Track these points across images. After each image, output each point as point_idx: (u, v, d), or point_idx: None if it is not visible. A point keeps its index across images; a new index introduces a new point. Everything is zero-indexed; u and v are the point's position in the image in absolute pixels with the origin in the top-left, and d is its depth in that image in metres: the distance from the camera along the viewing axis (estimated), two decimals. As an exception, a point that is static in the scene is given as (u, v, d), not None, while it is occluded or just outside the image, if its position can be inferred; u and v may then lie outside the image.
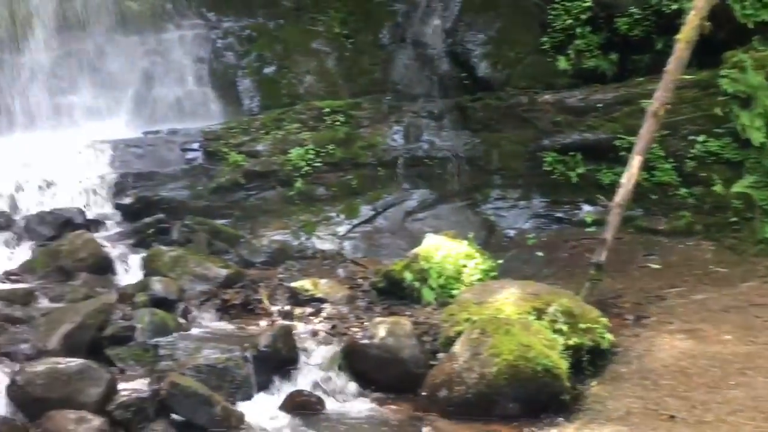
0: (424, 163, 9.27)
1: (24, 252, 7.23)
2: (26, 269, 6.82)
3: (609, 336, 5.44)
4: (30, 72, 10.15)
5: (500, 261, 7.26)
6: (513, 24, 9.57)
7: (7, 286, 6.33)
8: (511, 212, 8.92)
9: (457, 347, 5.10)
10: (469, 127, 9.41)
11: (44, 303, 5.98)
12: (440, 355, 5.35)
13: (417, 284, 6.69)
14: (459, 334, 5.26)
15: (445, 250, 6.85)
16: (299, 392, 5.16)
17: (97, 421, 4.29)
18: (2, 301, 5.59)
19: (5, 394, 4.41)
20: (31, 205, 8.15)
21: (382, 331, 5.44)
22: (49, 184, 8.44)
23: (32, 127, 9.84)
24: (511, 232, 8.72)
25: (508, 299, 5.48)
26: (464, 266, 6.79)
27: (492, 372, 4.83)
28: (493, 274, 6.86)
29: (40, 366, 4.50)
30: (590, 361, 5.27)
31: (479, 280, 6.61)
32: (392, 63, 10.00)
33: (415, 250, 6.97)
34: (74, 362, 4.54)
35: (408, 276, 6.72)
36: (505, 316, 5.26)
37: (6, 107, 9.98)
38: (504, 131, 9.24)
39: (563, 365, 4.94)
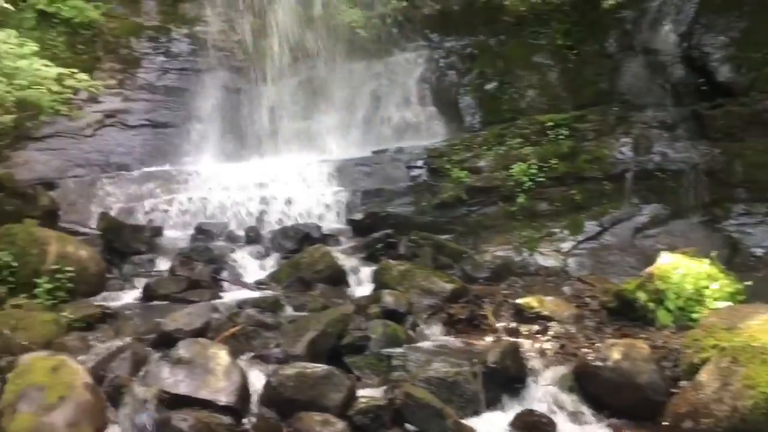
0: (656, 176, 8.74)
1: (271, 263, 7.93)
2: (273, 279, 7.47)
3: None
4: (271, 100, 11.22)
5: (748, 283, 6.58)
6: (759, 23, 8.72)
7: (258, 294, 6.98)
8: (759, 229, 8.09)
9: (703, 375, 4.70)
10: (708, 136, 8.71)
11: (289, 311, 6.48)
12: (682, 383, 4.96)
13: (652, 305, 6.28)
14: (705, 361, 4.85)
15: (684, 270, 6.35)
16: (529, 411, 5.06)
17: (340, 424, 4.56)
18: (256, 308, 6.17)
19: (262, 394, 4.85)
20: (275, 220, 8.99)
21: (616, 354, 5.17)
22: (290, 202, 9.24)
23: (274, 150, 10.88)
24: (759, 251, 7.91)
25: (764, 326, 4.94)
26: (706, 287, 6.24)
27: (747, 405, 4.38)
28: (740, 297, 6.24)
29: (290, 369, 4.88)
30: None
31: (725, 303, 6.03)
32: (619, 72, 9.58)
33: (649, 269, 6.55)
34: (319, 368, 4.87)
35: (642, 296, 6.34)
36: (760, 344, 4.75)
37: (252, 133, 11.12)
38: (749, 140, 8.43)
39: (834, 403, 4.34)
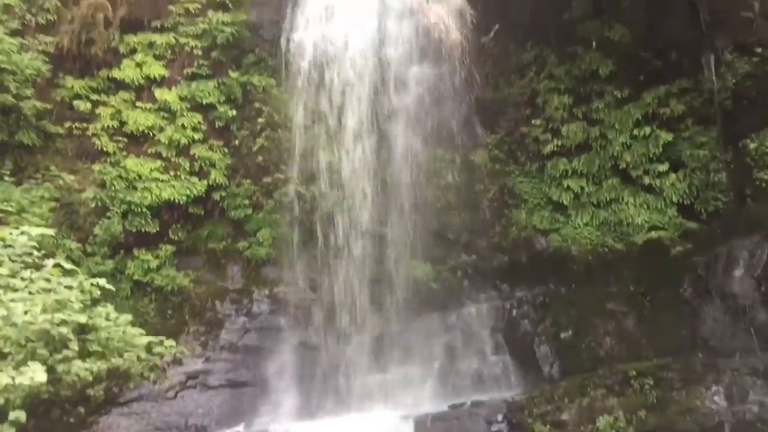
0: (756, 427, 8.16)
1: None
2: None
3: None
4: (347, 356, 11.32)
5: None
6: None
7: None
8: None
9: None
10: (807, 383, 8.23)
11: None
12: None
13: None
14: None
15: None
16: None
17: None
18: None
19: None
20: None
21: None
22: (368, 463, 8.90)
23: (350, 407, 10.71)
24: None
25: None
26: None
27: None
28: None
29: None
30: None
31: None
32: (699, 317, 9.43)
33: None
34: None
35: None
36: None
37: (328, 389, 11.07)
38: None
39: None
